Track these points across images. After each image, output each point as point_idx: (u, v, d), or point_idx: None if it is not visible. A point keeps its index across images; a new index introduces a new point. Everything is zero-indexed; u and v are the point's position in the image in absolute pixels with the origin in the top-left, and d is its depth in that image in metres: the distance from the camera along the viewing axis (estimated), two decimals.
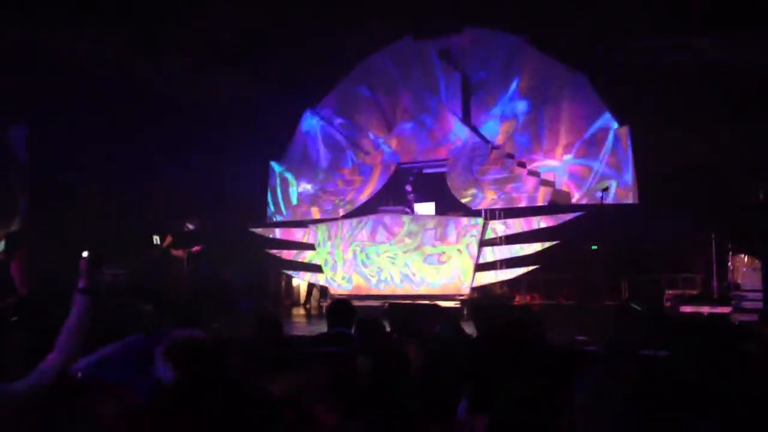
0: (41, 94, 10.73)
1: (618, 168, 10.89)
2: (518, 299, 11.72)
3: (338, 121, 13.64)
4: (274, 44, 12.64)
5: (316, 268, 12.22)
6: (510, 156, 11.80)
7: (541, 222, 10.67)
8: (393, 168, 12.79)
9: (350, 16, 11.78)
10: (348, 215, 12.44)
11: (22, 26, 10.72)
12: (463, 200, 11.80)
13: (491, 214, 11.48)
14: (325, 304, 11.36)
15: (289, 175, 13.85)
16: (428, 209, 11.76)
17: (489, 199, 11.64)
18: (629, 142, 10.84)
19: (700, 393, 2.35)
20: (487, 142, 12.08)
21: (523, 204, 11.32)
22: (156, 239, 11.97)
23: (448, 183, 12.07)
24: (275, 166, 13.93)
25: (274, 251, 12.74)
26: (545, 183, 11.34)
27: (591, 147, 11.18)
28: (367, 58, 13.35)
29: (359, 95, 13.50)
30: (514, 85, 12.06)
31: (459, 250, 10.88)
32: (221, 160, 13.09)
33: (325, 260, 11.95)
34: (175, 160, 13.37)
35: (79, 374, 2.96)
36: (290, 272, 13.06)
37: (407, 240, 11.22)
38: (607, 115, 11.14)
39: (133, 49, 12.37)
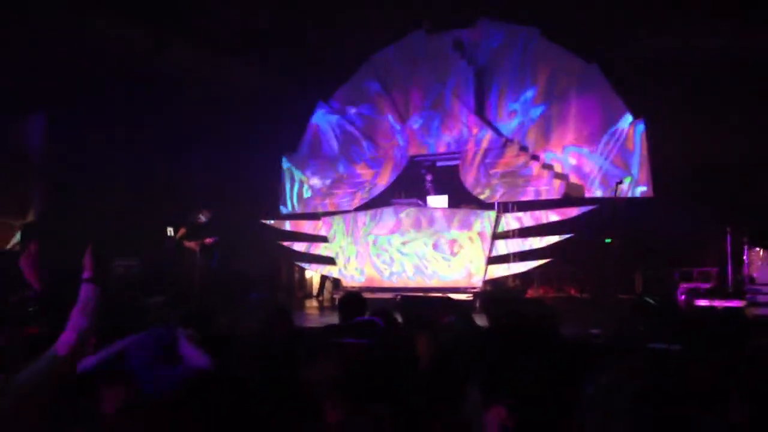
0: (57, 85, 10.79)
1: (632, 161, 10.82)
2: (531, 292, 11.69)
3: (350, 113, 13.63)
4: (287, 37, 12.63)
5: (329, 261, 12.25)
6: (523, 149, 11.75)
7: (555, 215, 10.63)
8: (406, 161, 12.77)
9: (363, 8, 11.74)
10: (361, 207, 12.45)
11: (38, 17, 10.77)
12: (476, 193, 11.78)
13: (504, 207, 11.45)
14: (337, 296, 11.39)
15: (301, 168, 13.87)
16: (441, 202, 11.74)
17: (502, 192, 11.60)
18: (644, 135, 10.77)
19: (713, 388, 2.33)
20: (500, 134, 12.04)
21: (536, 197, 11.28)
22: (169, 231, 12.01)
23: (461, 176, 12.05)
24: (288, 159, 13.95)
25: (286, 243, 12.77)
26: (559, 176, 11.30)
27: (605, 139, 11.10)
28: (380, 51, 13.33)
29: (371, 88, 13.48)
30: (527, 78, 12.00)
31: (472, 243, 10.86)
32: (234, 152, 13.12)
33: (338, 252, 11.97)
34: (188, 152, 13.44)
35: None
36: (303, 264, 13.10)
37: (420, 232, 11.21)
38: (622, 108, 11.06)
39: (149, 40, 12.39)
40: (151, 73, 12.31)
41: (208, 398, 1.79)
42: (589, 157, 11.24)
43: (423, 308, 6.96)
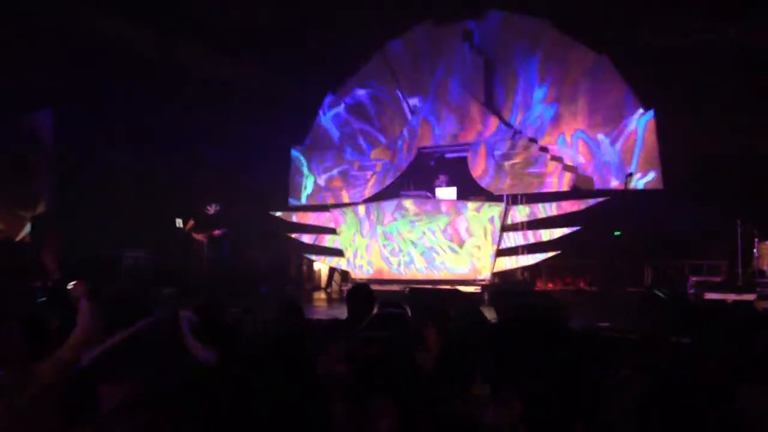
0: (67, 78, 10.81)
1: (642, 153, 10.77)
2: (540, 285, 11.68)
3: (359, 105, 13.61)
4: (297, 30, 12.64)
5: (338, 253, 12.26)
6: (533, 140, 11.71)
7: (564, 207, 10.59)
8: (414, 152, 12.75)
9: (373, 4, 11.74)
10: (369, 199, 12.45)
11: (48, 10, 10.80)
12: (485, 185, 11.75)
13: (513, 199, 11.42)
14: (346, 289, 11.40)
15: (310, 160, 13.87)
16: (450, 194, 11.72)
17: (511, 184, 11.57)
18: (655, 127, 10.72)
19: (724, 381, 2.32)
20: (509, 126, 12.00)
21: (545, 189, 11.24)
22: (178, 222, 12.05)
23: (470, 168, 12.02)
24: (296, 151, 13.95)
25: (295, 235, 12.79)
26: (568, 168, 11.25)
27: (615, 131, 11.05)
28: (389, 42, 13.30)
29: (380, 80, 13.46)
30: (537, 69, 11.95)
31: (480, 235, 10.84)
32: (243, 145, 13.14)
33: (346, 244, 11.98)
34: (197, 145, 13.45)
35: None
36: (311, 256, 13.12)
37: (428, 225, 11.20)
38: (632, 100, 11.00)
39: (158, 34, 12.42)
40: (160, 68, 12.35)
41: (211, 393, 1.79)
42: (598, 148, 11.18)
43: (431, 300, 6.95)
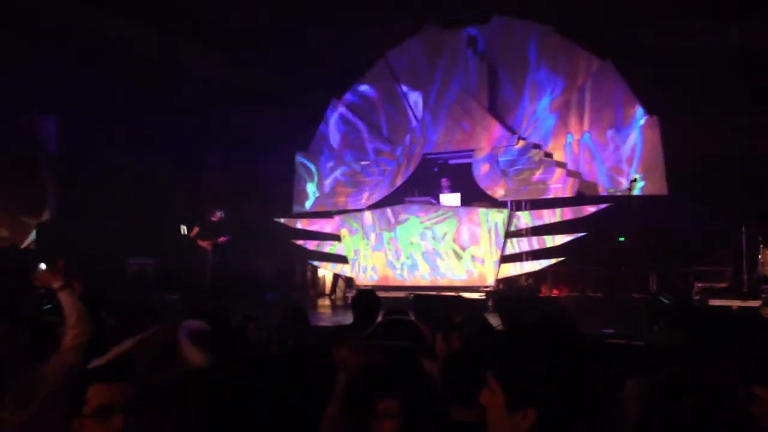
0: (68, 80, 10.85)
1: (647, 158, 10.75)
2: (544, 291, 11.66)
3: (363, 111, 13.62)
4: (302, 35, 12.66)
5: (342, 259, 12.26)
6: (537, 146, 11.70)
7: (568, 213, 10.57)
8: (419, 158, 12.75)
9: (377, 6, 11.75)
10: (374, 206, 12.44)
11: (52, 14, 10.84)
12: (489, 191, 11.74)
13: (517, 205, 11.41)
14: (350, 295, 11.40)
15: (314, 166, 13.88)
16: (454, 200, 11.72)
17: (515, 189, 11.56)
18: (659, 132, 10.70)
19: (728, 386, 2.31)
20: (513, 132, 11.99)
21: (549, 195, 11.23)
22: (183, 229, 12.07)
23: (474, 174, 12.01)
24: (300, 157, 13.96)
25: (299, 242, 12.79)
26: (572, 174, 11.24)
27: (619, 136, 11.04)
28: (393, 48, 13.31)
29: (384, 86, 13.47)
30: (540, 74, 11.95)
31: (484, 242, 10.83)
32: (247, 151, 13.17)
33: (351, 251, 11.98)
34: (203, 151, 13.49)
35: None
36: (316, 263, 13.12)
37: (433, 231, 11.20)
38: (636, 105, 11.00)
39: (163, 38, 12.46)
40: (164, 73, 12.38)
41: (202, 395, 1.81)
42: (603, 154, 11.17)
43: (436, 307, 6.95)
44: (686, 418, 1.78)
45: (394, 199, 12.26)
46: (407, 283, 11.29)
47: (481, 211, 11.03)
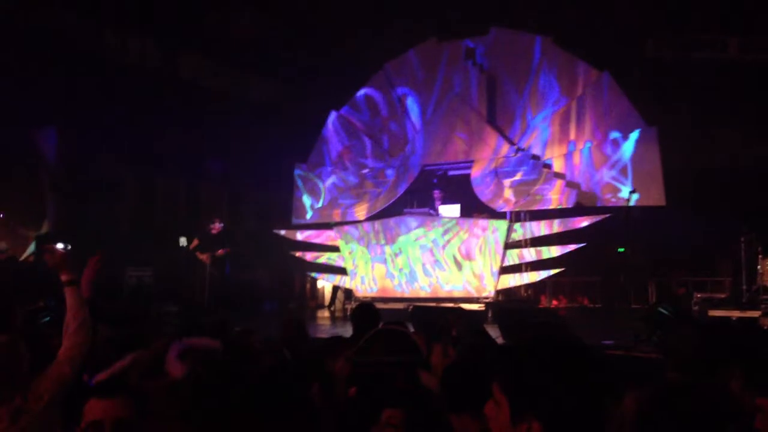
0: (70, 96, 10.87)
1: (645, 169, 10.75)
2: (544, 302, 11.65)
3: (362, 123, 13.63)
4: (301, 47, 12.71)
5: (341, 271, 12.24)
6: (535, 157, 11.71)
7: (567, 224, 10.58)
8: (417, 170, 12.75)
9: (376, 19, 11.80)
10: (373, 217, 12.43)
11: (52, 27, 10.87)
12: (488, 202, 11.74)
13: (516, 216, 11.40)
14: (349, 307, 11.38)
15: (313, 178, 13.87)
16: (453, 211, 11.72)
17: (514, 201, 11.56)
18: (657, 143, 10.71)
19: (730, 398, 2.31)
20: (512, 143, 12.01)
21: (548, 206, 11.22)
22: (182, 241, 12.07)
23: (473, 185, 12.01)
24: (299, 169, 13.95)
25: (298, 253, 12.78)
26: (571, 185, 11.24)
27: (618, 147, 11.05)
28: (392, 60, 13.34)
29: (383, 97, 13.49)
30: (539, 86, 11.97)
31: (484, 253, 10.83)
32: (246, 163, 13.18)
33: (350, 262, 11.97)
34: (202, 163, 13.50)
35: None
36: (315, 274, 13.11)
37: (432, 242, 11.20)
38: (635, 116, 11.00)
39: (163, 50, 12.50)
40: (164, 85, 12.40)
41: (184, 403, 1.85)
42: (602, 165, 11.17)
43: (435, 318, 6.94)
44: (687, 430, 1.77)
45: (393, 211, 12.25)
46: (406, 295, 11.28)
47: (481, 222, 11.04)
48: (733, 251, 9.80)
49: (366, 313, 5.10)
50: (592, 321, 10.07)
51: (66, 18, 11.05)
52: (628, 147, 10.93)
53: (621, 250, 10.54)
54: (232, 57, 13.16)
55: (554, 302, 11.74)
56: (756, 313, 8.48)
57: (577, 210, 10.89)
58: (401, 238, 11.44)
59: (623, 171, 10.92)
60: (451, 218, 11.44)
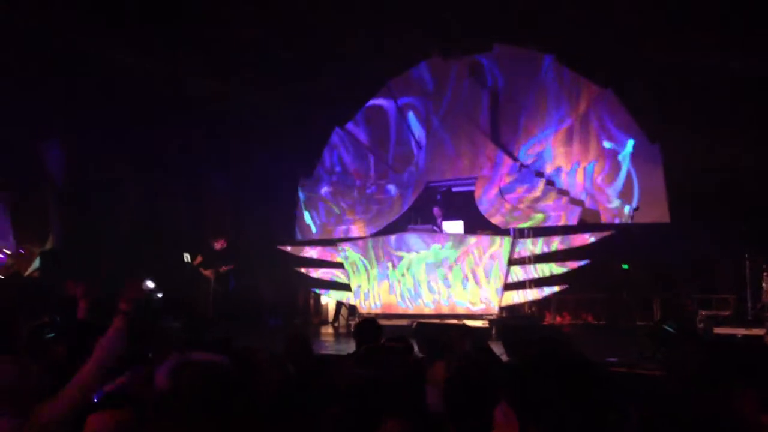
0: (75, 111, 10.92)
1: (648, 185, 10.76)
2: (548, 319, 11.62)
3: (365, 139, 13.68)
4: (303, 62, 12.75)
5: (345, 287, 12.24)
6: (539, 174, 11.73)
7: (571, 241, 10.58)
8: (421, 186, 12.78)
9: (379, 35, 11.85)
10: (376, 233, 12.45)
11: (58, 44, 10.94)
12: (492, 219, 11.75)
13: (520, 233, 11.42)
14: (353, 323, 11.37)
15: (317, 193, 13.90)
16: (457, 228, 11.73)
17: (518, 217, 11.57)
18: (661, 159, 10.72)
19: (735, 417, 2.30)
20: (515, 160, 12.03)
21: (552, 223, 11.23)
22: (186, 257, 12.09)
23: (477, 201, 12.03)
24: (303, 184, 13.97)
25: (302, 269, 12.79)
26: (575, 202, 11.25)
27: (621, 164, 11.07)
28: (396, 77, 13.40)
29: (387, 113, 13.54)
30: (542, 102, 12.00)
31: (487, 269, 10.83)
32: (250, 179, 13.22)
33: (354, 278, 11.97)
34: (205, 179, 13.53)
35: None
36: (319, 290, 13.10)
37: (436, 259, 11.20)
38: (638, 132, 11.03)
39: (168, 66, 12.55)
40: (167, 101, 12.46)
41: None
42: (605, 181, 11.18)
43: (439, 335, 6.93)
44: None
45: (396, 227, 12.27)
46: (410, 311, 11.27)
47: (484, 238, 11.05)
48: (738, 268, 9.77)
49: (368, 329, 5.11)
50: (596, 338, 10.03)
51: (71, 30, 11.11)
52: (631, 164, 10.94)
53: (625, 266, 10.53)
54: (237, 71, 13.22)
55: (558, 319, 11.70)
56: (761, 331, 8.44)
57: (581, 227, 10.90)
58: (405, 255, 11.46)
59: (627, 188, 10.93)
60: (455, 235, 11.45)
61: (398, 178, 13.09)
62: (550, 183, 11.60)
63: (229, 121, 13.04)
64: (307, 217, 13.80)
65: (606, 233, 10.38)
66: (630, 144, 11.08)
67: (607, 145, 11.31)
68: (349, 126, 13.84)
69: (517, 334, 6.66)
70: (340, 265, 12.28)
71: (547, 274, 10.65)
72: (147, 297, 11.58)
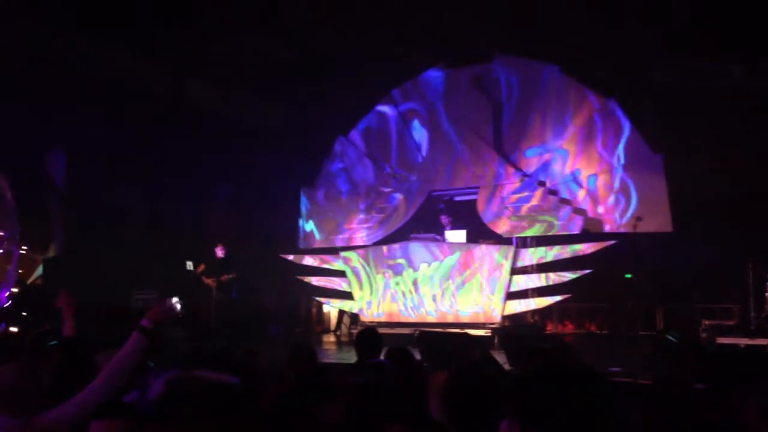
0: (79, 121, 10.94)
1: (651, 195, 10.75)
2: (550, 328, 11.60)
3: (368, 148, 13.69)
4: (307, 72, 12.79)
5: (347, 295, 12.23)
6: (541, 183, 11.73)
7: (574, 250, 10.57)
8: (424, 195, 12.79)
9: (382, 45, 11.88)
10: (379, 242, 12.45)
11: (59, 51, 10.98)
12: (494, 228, 11.74)
13: (522, 242, 11.41)
14: (355, 331, 11.35)
15: (319, 202, 13.91)
16: (459, 237, 11.72)
17: (520, 226, 11.56)
18: (664, 170, 10.72)
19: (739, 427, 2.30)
20: (518, 169, 12.03)
21: (554, 232, 11.22)
22: (189, 264, 12.09)
23: (479, 211, 12.03)
24: (306, 193, 13.99)
25: (304, 278, 12.79)
26: (577, 211, 11.25)
27: (624, 174, 11.06)
28: (399, 87, 13.43)
29: (390, 123, 13.55)
30: (545, 113, 12.01)
31: (490, 278, 10.82)
32: (253, 187, 13.22)
33: (356, 287, 11.96)
34: (208, 187, 13.55)
35: None
36: (321, 299, 13.09)
37: (438, 267, 11.19)
38: (641, 143, 11.03)
39: (171, 76, 12.60)
40: (170, 110, 12.50)
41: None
42: (607, 191, 11.18)
43: (441, 344, 6.92)
44: None
45: (399, 236, 12.27)
46: (413, 320, 11.26)
47: (487, 247, 11.04)
48: (741, 277, 9.75)
49: (369, 338, 5.10)
50: (599, 347, 10.01)
51: (74, 42, 11.16)
52: (634, 173, 10.94)
53: (628, 276, 10.51)
54: (240, 82, 13.27)
55: (561, 328, 11.69)
56: (764, 341, 8.41)
57: (584, 236, 10.89)
58: (407, 263, 11.45)
59: (629, 197, 10.93)
60: (458, 244, 11.44)
61: (401, 187, 13.09)
62: (552, 192, 11.60)
63: (231, 130, 13.05)
64: (309, 225, 13.81)
65: (608, 242, 10.37)
66: (633, 154, 11.08)
67: (609, 154, 11.31)
68: (352, 134, 13.85)
69: (520, 343, 6.65)
70: (342, 274, 12.27)
71: (550, 283, 10.64)
72: (146, 305, 11.60)
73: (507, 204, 11.81)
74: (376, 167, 13.55)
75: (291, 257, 13.02)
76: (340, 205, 13.71)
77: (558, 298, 10.65)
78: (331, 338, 12.63)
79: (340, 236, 13.34)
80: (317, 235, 13.73)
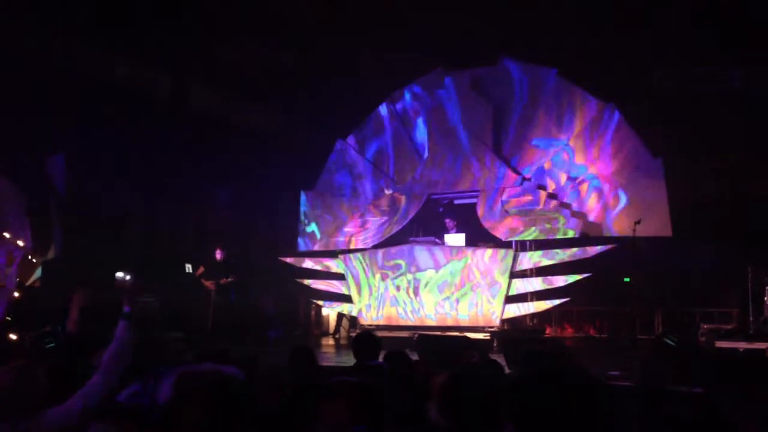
0: (78, 124, 10.95)
1: (650, 199, 10.76)
2: (549, 332, 11.60)
3: (368, 151, 13.70)
4: (307, 75, 12.82)
5: (346, 298, 12.22)
6: (541, 187, 11.74)
7: (573, 254, 10.57)
8: (423, 198, 12.78)
9: (382, 48, 11.90)
10: (378, 245, 12.44)
11: (60, 54, 11.00)
12: (494, 231, 11.74)
13: (522, 246, 11.41)
14: (354, 334, 11.34)
15: (319, 205, 13.90)
16: (458, 240, 11.72)
17: (520, 230, 11.56)
18: (663, 173, 10.73)
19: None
20: (517, 173, 12.04)
21: (554, 236, 11.22)
22: (188, 267, 12.08)
23: (479, 214, 12.03)
24: (306, 196, 13.98)
25: (304, 281, 12.78)
26: (576, 215, 11.25)
27: (624, 178, 11.07)
28: (399, 90, 13.44)
29: (389, 126, 13.56)
30: (545, 116, 12.02)
31: (489, 282, 10.82)
32: (252, 190, 13.23)
33: (355, 290, 11.95)
34: (208, 189, 13.55)
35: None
36: (320, 302, 13.08)
37: (437, 271, 11.19)
38: (640, 146, 11.04)
39: (171, 79, 12.61)
40: (170, 113, 12.51)
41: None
42: (607, 195, 11.19)
43: (440, 347, 6.92)
44: None
45: (398, 239, 12.26)
46: (412, 323, 11.25)
47: (486, 251, 11.04)
48: (741, 281, 9.75)
49: (366, 341, 5.10)
50: (598, 351, 10.00)
51: (75, 45, 11.17)
52: (633, 177, 10.95)
53: (627, 280, 10.51)
54: (240, 85, 13.28)
55: (560, 331, 11.68)
56: (763, 345, 8.41)
57: (583, 240, 10.89)
58: (406, 266, 11.44)
59: (629, 201, 10.94)
60: (457, 247, 11.44)
61: (400, 190, 13.09)
62: (552, 196, 11.60)
63: (231, 132, 13.06)
64: (308, 228, 13.80)
65: (608, 246, 10.37)
66: (632, 158, 11.09)
67: (609, 158, 11.33)
68: (352, 138, 13.86)
69: (519, 347, 6.65)
70: (341, 277, 12.27)
71: (549, 286, 10.64)
72: (145, 307, 11.57)
73: (506, 207, 11.80)
74: (376, 170, 13.55)
75: (290, 260, 13.01)
76: (340, 208, 13.71)
77: (557, 301, 10.64)
78: (330, 341, 12.62)
79: (339, 239, 13.33)
80: (316, 238, 13.72)
